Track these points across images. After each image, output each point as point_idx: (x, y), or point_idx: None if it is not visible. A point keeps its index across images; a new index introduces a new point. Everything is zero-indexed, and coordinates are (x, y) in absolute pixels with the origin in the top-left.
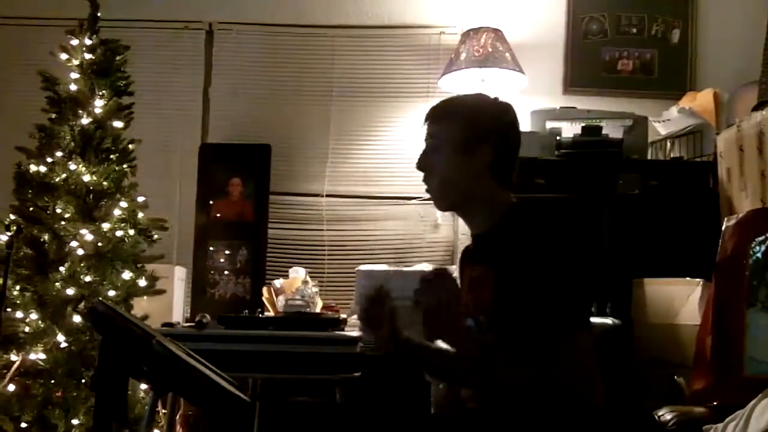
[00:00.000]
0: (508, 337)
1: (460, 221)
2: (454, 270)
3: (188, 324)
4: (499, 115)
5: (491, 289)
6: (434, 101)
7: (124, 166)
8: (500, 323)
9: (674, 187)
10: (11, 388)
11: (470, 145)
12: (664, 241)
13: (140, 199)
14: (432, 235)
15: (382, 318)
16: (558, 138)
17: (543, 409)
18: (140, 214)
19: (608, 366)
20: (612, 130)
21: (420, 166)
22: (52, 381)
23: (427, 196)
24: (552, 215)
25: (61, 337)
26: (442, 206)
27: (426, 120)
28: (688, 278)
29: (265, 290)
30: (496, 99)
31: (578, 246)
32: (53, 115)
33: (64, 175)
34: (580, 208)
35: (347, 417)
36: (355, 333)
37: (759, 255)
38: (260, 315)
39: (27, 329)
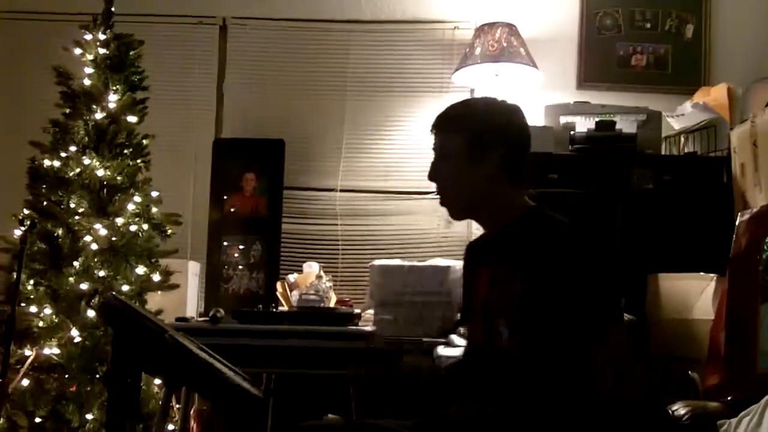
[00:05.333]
0: (536, 337)
1: None
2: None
3: (202, 319)
4: (508, 119)
5: (518, 289)
6: (449, 96)
7: (138, 160)
8: (528, 324)
9: (688, 182)
10: (25, 382)
11: (481, 153)
12: (678, 236)
13: (154, 194)
14: (446, 230)
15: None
16: (572, 133)
17: (560, 410)
18: (154, 209)
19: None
20: (626, 125)
21: (432, 177)
22: (66, 376)
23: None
24: (572, 214)
25: (74, 332)
26: (458, 215)
27: (433, 129)
28: (701, 273)
29: (279, 285)
30: (503, 102)
31: (604, 243)
32: (67, 110)
33: (77, 170)
34: (594, 203)
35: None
36: (368, 328)
37: None
38: (274, 310)
39: (41, 324)
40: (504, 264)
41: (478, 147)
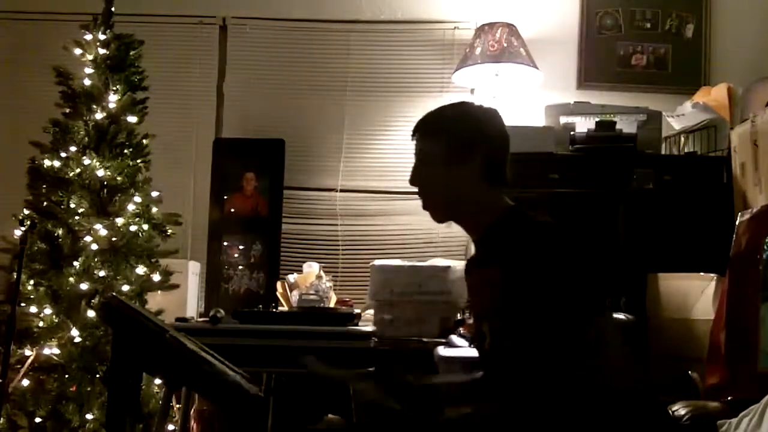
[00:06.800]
0: (518, 336)
1: None
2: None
3: (202, 319)
4: (485, 123)
5: (494, 292)
6: (449, 96)
7: (138, 160)
8: (503, 325)
9: (688, 182)
10: (25, 382)
11: (460, 158)
12: (678, 236)
13: (154, 193)
14: (446, 230)
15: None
16: (572, 133)
17: (556, 410)
18: (154, 209)
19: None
20: (626, 125)
21: (413, 181)
22: (66, 376)
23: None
24: (549, 214)
25: (75, 332)
26: (439, 218)
27: (413, 135)
28: (702, 273)
29: (279, 285)
30: (480, 107)
31: (578, 242)
32: (67, 110)
33: (78, 170)
34: (595, 203)
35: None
36: (369, 328)
37: None
38: (274, 310)
39: (41, 324)
40: (487, 267)
41: (456, 151)
